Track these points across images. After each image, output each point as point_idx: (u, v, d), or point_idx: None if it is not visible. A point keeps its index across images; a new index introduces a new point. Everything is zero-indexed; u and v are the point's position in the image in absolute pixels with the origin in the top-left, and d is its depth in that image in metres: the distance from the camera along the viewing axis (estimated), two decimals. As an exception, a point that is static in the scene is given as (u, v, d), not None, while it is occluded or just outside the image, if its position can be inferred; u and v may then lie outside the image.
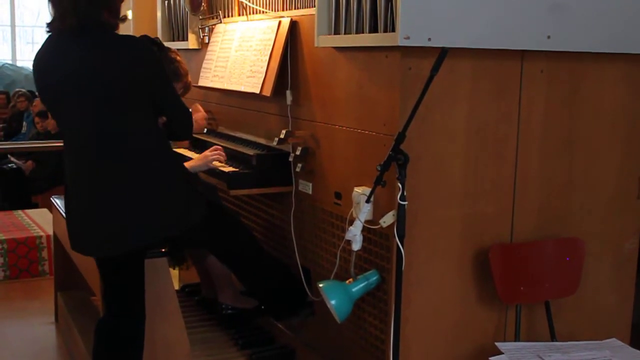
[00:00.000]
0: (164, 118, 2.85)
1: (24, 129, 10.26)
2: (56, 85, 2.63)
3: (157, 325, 3.04)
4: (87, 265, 3.29)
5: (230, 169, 3.37)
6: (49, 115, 8.37)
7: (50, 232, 5.06)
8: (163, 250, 3.11)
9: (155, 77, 2.70)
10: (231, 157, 3.54)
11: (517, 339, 2.81)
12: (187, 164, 3.43)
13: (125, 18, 2.74)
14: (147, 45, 2.76)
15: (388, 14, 2.59)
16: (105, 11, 2.63)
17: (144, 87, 2.64)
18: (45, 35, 2.74)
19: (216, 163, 3.43)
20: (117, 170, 2.63)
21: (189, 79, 3.47)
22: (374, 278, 2.73)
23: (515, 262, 2.80)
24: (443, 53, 2.34)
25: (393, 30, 2.57)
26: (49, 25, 2.68)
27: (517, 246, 2.83)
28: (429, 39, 2.50)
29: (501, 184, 2.80)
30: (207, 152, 3.47)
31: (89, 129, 2.61)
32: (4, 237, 5.02)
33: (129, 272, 2.79)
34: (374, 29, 2.69)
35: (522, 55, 2.75)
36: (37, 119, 8.53)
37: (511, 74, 2.76)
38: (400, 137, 2.42)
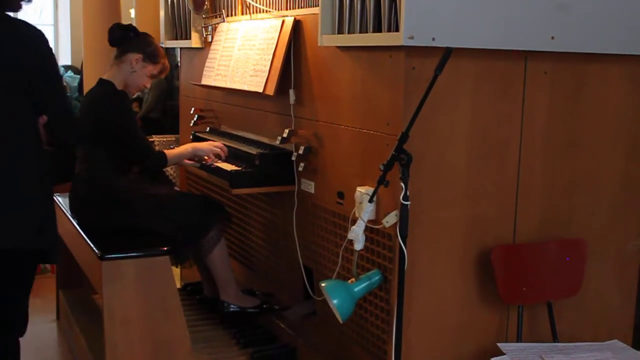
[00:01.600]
0: (45, 118, 2.63)
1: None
2: None
3: (159, 323, 3.05)
4: (88, 264, 3.29)
5: (233, 167, 3.37)
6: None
7: (52, 230, 5.07)
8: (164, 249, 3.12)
9: (36, 72, 2.53)
10: (234, 156, 3.54)
11: (519, 339, 2.81)
12: (174, 150, 3.58)
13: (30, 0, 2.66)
14: (35, 37, 2.56)
15: (392, 14, 2.59)
16: None
17: (20, 81, 2.50)
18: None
19: (209, 159, 3.53)
20: None
21: (166, 61, 3.59)
22: (376, 278, 2.73)
23: (518, 263, 2.79)
24: (447, 53, 2.34)
25: (397, 30, 2.57)
26: None
27: (519, 247, 2.83)
28: (433, 39, 2.49)
29: (504, 185, 2.80)
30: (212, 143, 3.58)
31: None
32: (5, 235, 5.01)
33: None
34: (377, 29, 2.68)
35: (526, 56, 2.74)
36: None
37: (515, 75, 2.75)
38: (404, 137, 2.42)
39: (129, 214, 3.37)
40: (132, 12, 13.02)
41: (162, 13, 4.77)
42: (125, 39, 3.48)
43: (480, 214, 2.77)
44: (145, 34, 3.59)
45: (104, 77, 3.49)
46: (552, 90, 2.82)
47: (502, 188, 2.80)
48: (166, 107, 10.56)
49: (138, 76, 3.49)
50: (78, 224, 3.46)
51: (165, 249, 3.12)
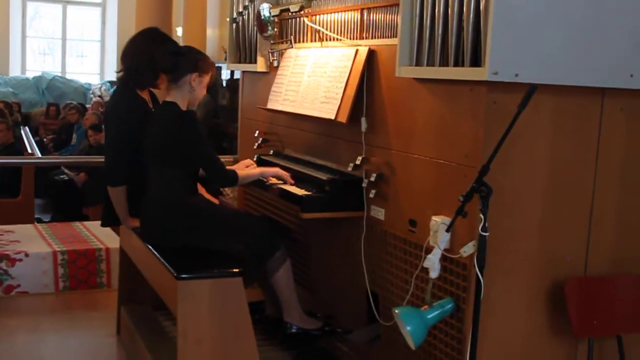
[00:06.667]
0: None
1: (73, 141, 10.46)
2: None
3: (231, 344, 3.10)
4: (162, 283, 3.35)
5: (303, 192, 3.42)
6: (102, 129, 8.54)
7: (109, 245, 5.18)
8: (237, 270, 3.18)
9: None
10: (302, 180, 3.60)
11: (588, 372, 2.83)
12: (243, 171, 3.69)
13: None
14: None
15: (475, 49, 2.64)
16: None
17: None
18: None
19: (273, 180, 3.64)
20: None
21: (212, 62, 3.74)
22: (449, 306, 2.77)
23: (590, 296, 2.82)
24: (532, 89, 2.40)
25: (476, 64, 2.63)
26: None
27: (592, 280, 2.85)
28: (517, 75, 2.55)
29: (578, 220, 2.83)
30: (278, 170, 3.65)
31: None
32: (65, 249, 5.12)
33: None
34: (456, 61, 2.74)
35: (603, 92, 2.78)
36: (90, 132, 8.70)
37: (591, 111, 2.79)
38: (485, 170, 2.47)
39: (199, 234, 3.44)
40: (179, 30, 13.26)
41: (218, 33, 4.85)
42: (178, 64, 3.56)
43: (554, 246, 2.81)
44: (189, 49, 3.69)
45: (168, 99, 3.57)
46: (627, 127, 2.85)
47: (575, 222, 2.83)
48: (211, 126, 10.71)
49: (198, 91, 3.60)
50: (149, 243, 3.54)
51: (238, 270, 3.18)
